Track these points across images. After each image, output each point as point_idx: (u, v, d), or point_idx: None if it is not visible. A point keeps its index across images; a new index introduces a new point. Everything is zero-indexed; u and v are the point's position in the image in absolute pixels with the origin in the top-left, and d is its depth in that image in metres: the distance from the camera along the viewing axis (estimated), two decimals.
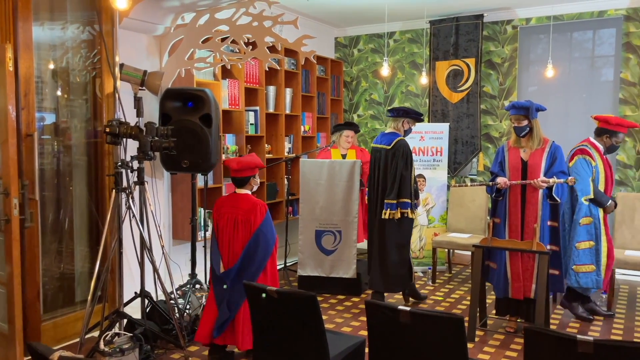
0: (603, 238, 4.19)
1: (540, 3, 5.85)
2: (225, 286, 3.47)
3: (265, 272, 3.48)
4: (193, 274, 4.42)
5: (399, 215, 4.37)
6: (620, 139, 4.35)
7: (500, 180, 4.02)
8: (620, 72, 5.71)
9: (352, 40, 7.22)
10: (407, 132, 4.57)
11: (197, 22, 4.25)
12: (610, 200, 4.26)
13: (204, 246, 4.65)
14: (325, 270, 5.01)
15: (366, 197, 5.39)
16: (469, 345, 3.83)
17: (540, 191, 3.95)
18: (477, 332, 4.03)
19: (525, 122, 3.97)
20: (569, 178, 3.87)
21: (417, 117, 4.57)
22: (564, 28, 5.96)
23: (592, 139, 4.37)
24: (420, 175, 5.91)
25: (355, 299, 4.88)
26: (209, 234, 4.89)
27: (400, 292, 4.78)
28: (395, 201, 4.37)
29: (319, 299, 4.83)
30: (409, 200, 4.36)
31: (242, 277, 3.39)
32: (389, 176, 4.42)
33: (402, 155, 4.38)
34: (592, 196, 4.18)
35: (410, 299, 4.78)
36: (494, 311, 4.31)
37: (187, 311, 4.04)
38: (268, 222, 3.49)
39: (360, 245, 5.47)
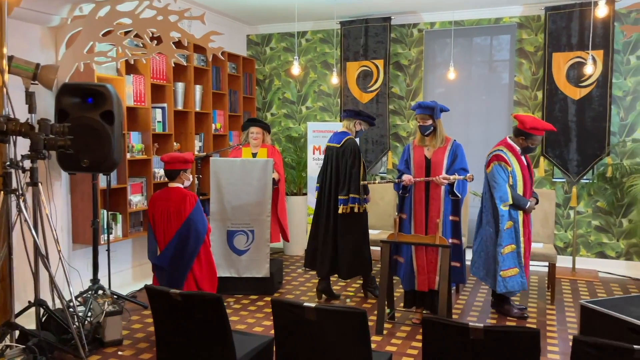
0: (522, 239, 4.28)
1: (442, 8, 6.13)
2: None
3: (200, 259, 3.78)
4: (95, 280, 4.20)
5: (349, 210, 4.61)
6: (537, 141, 4.32)
7: (405, 177, 4.19)
8: (514, 76, 6.12)
9: (264, 38, 7.18)
10: (358, 133, 4.84)
11: (96, 13, 4.02)
12: (529, 202, 4.30)
13: (107, 250, 4.43)
14: (238, 271, 4.95)
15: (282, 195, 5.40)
16: (378, 338, 3.94)
17: (443, 187, 4.15)
18: (386, 325, 4.15)
19: (429, 122, 4.16)
20: (468, 175, 4.09)
21: (369, 119, 4.87)
22: (465, 33, 6.30)
23: (509, 140, 4.39)
24: None
25: (268, 299, 4.86)
26: (112, 236, 4.67)
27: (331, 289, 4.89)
28: (347, 197, 4.61)
29: (231, 299, 4.83)
30: (357, 196, 4.61)
31: (177, 264, 3.70)
32: (340, 173, 4.68)
33: (351, 154, 4.63)
34: (511, 202, 4.23)
35: (324, 295, 4.85)
36: (401, 304, 4.47)
37: (88, 319, 3.83)
38: (198, 211, 3.81)
39: (274, 244, 5.45)
